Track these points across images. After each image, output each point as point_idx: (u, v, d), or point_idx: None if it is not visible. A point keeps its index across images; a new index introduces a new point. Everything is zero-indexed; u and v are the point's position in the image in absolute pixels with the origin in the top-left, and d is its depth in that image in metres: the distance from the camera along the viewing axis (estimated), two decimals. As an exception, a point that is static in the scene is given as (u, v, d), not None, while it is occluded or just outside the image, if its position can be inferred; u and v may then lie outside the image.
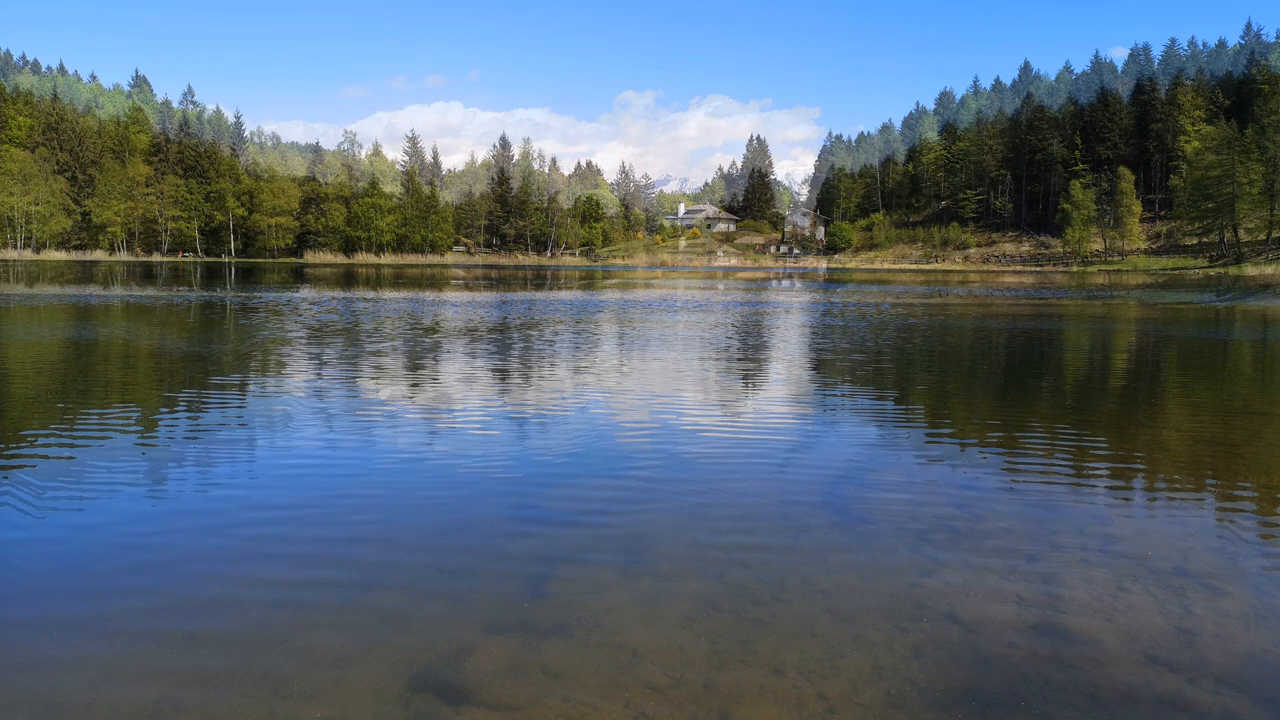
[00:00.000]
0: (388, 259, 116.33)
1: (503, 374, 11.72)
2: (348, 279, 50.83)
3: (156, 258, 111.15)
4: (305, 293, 33.55)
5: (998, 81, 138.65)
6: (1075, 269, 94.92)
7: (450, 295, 33.82)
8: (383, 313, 23.16)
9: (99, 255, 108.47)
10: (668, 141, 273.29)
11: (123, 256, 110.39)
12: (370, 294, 34.06)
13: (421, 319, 21.29)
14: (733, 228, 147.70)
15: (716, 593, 3.96)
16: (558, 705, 3.03)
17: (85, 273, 53.84)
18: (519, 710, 3.00)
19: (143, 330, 18.10)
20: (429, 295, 33.38)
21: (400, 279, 52.82)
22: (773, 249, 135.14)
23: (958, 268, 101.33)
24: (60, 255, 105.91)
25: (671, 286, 46.27)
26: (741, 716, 2.96)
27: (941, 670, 3.28)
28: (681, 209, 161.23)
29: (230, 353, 13.92)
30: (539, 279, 56.55)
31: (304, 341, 15.80)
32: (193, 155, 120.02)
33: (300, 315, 21.89)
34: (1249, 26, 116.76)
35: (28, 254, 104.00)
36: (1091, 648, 3.49)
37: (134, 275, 51.58)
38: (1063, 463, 6.74)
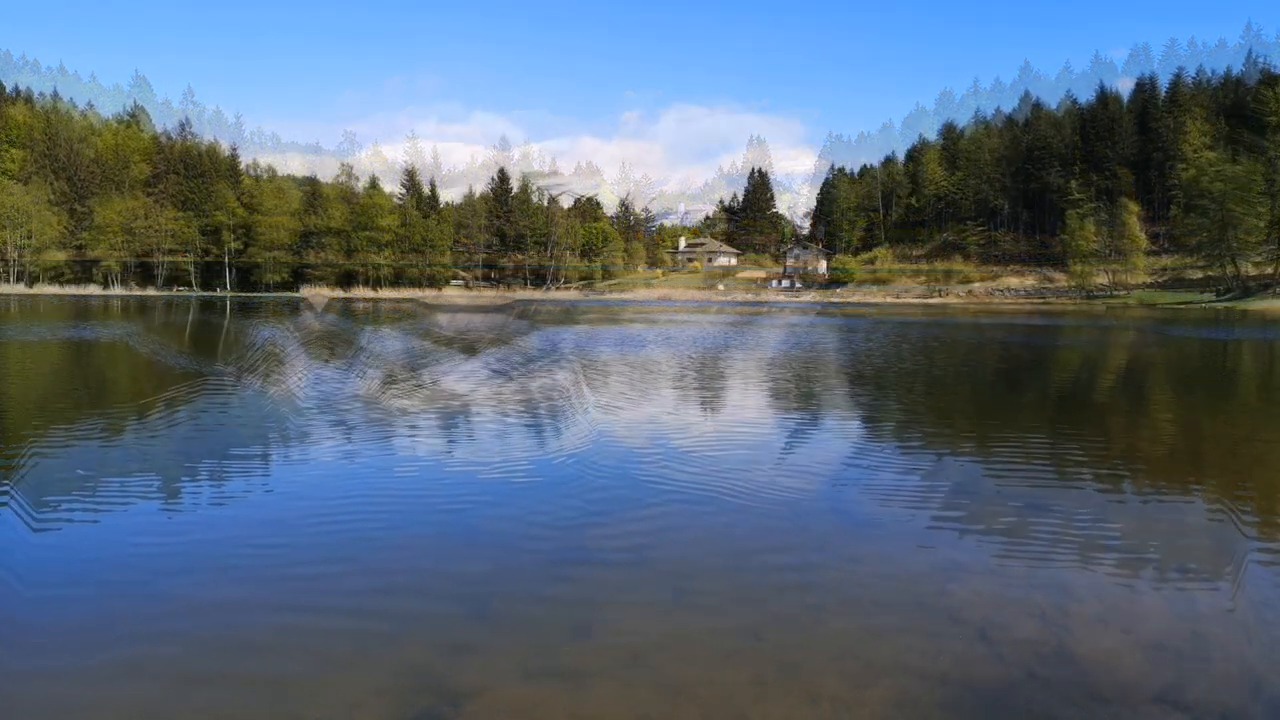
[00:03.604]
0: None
1: (529, 412, 10.64)
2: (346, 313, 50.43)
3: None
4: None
5: (998, 82, 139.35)
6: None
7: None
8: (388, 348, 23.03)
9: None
10: (668, 141, 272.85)
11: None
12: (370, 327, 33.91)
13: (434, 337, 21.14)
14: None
15: (759, 622, 3.96)
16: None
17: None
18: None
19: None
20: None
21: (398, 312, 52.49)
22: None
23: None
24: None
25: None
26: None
27: (971, 690, 3.30)
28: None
29: (235, 377, 13.89)
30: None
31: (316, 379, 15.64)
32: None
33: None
34: (1249, 27, 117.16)
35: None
36: (1119, 673, 3.50)
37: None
38: (1080, 505, 6.75)
